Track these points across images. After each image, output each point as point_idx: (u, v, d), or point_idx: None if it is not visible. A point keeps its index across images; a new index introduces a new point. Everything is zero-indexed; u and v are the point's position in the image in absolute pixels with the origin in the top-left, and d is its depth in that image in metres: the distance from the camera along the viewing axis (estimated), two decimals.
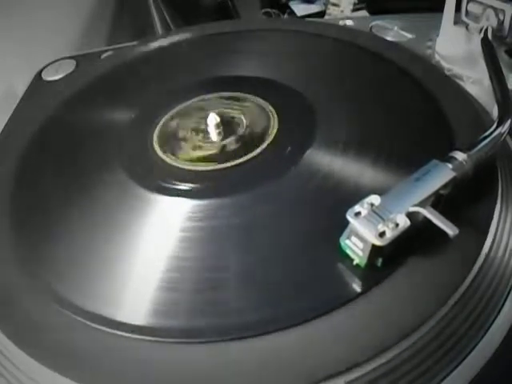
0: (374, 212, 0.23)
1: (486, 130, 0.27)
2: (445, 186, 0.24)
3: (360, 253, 0.23)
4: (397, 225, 0.23)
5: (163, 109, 0.36)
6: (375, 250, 0.23)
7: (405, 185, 0.24)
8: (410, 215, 0.23)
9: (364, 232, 0.23)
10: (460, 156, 0.25)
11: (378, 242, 0.22)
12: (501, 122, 0.27)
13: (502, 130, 0.27)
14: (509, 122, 0.27)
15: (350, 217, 0.23)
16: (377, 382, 0.21)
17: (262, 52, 0.41)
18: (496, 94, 0.29)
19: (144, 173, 0.31)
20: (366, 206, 0.23)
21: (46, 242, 0.28)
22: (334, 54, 0.40)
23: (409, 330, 0.21)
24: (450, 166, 0.25)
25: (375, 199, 0.24)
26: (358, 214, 0.23)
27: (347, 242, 0.24)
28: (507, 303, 0.24)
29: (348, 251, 0.24)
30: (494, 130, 0.27)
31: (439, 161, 0.25)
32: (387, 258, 0.23)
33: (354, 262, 0.24)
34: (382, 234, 0.22)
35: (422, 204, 0.23)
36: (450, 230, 0.22)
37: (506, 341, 0.23)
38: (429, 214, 0.23)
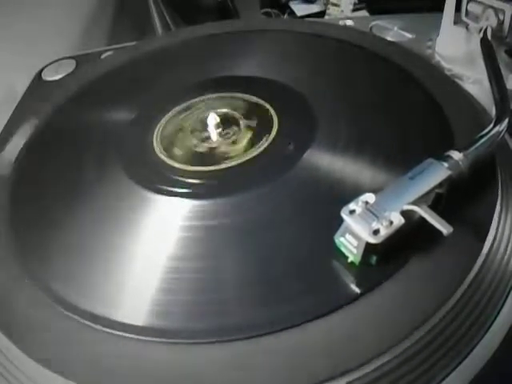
0: (369, 210, 0.23)
1: (483, 130, 0.27)
2: (440, 185, 0.24)
3: (354, 250, 0.23)
4: (391, 223, 0.23)
5: (163, 109, 0.36)
6: (369, 248, 0.23)
7: (400, 183, 0.24)
8: (404, 213, 0.23)
9: (358, 230, 0.23)
10: (456, 155, 0.25)
11: (372, 240, 0.22)
12: (498, 122, 0.27)
13: (500, 129, 0.27)
14: (506, 121, 0.27)
15: (344, 214, 0.23)
16: (377, 382, 0.21)
17: (261, 52, 0.41)
18: (494, 94, 0.30)
19: (144, 173, 0.31)
20: (360, 203, 0.23)
21: (45, 242, 0.28)
22: (333, 54, 0.40)
23: (409, 330, 0.21)
24: (445, 164, 0.25)
25: (370, 197, 0.24)
26: (352, 211, 0.23)
27: (342, 239, 0.24)
28: (507, 303, 0.24)
29: (342, 249, 0.24)
30: (491, 129, 0.27)
31: (435, 159, 0.25)
32: (382, 257, 0.23)
33: (349, 260, 0.24)
34: (376, 232, 0.22)
35: (416, 202, 0.23)
36: (444, 228, 0.22)
37: (505, 341, 0.23)
38: (423, 212, 0.23)
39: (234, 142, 0.32)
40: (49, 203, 0.31)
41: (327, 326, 0.22)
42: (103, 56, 0.46)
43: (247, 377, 0.21)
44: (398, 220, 0.23)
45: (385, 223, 0.23)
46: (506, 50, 0.37)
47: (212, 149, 0.32)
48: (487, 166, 0.27)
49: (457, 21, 0.39)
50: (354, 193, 0.24)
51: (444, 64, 0.40)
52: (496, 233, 0.25)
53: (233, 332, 0.22)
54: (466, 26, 0.39)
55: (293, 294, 0.23)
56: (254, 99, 0.35)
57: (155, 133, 0.34)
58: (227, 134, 0.33)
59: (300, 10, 0.61)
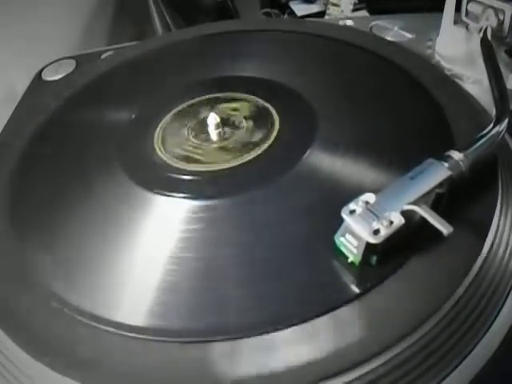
0: (369, 210, 0.23)
1: (483, 130, 0.27)
2: (440, 185, 0.24)
3: (354, 250, 0.23)
4: (391, 223, 0.23)
5: (163, 109, 0.36)
6: (369, 248, 0.23)
7: (400, 183, 0.24)
8: (404, 213, 0.23)
9: (358, 230, 0.23)
10: (456, 155, 0.25)
11: (372, 240, 0.22)
12: (498, 122, 0.27)
13: (500, 129, 0.27)
14: (506, 121, 0.27)
15: (344, 214, 0.23)
16: (377, 382, 0.21)
17: (262, 52, 0.41)
18: (494, 94, 0.30)
19: (144, 173, 0.31)
20: (360, 203, 0.23)
21: (45, 242, 0.28)
22: (333, 54, 0.40)
23: (408, 330, 0.21)
24: (445, 164, 0.25)
25: (370, 197, 0.24)
26: (352, 211, 0.23)
27: (342, 239, 0.24)
28: (507, 303, 0.24)
29: (342, 249, 0.24)
30: (491, 129, 0.27)
31: (435, 159, 0.25)
32: (382, 257, 0.23)
33: (349, 260, 0.24)
34: (376, 232, 0.22)
35: (417, 202, 0.23)
36: (445, 228, 0.22)
37: (506, 341, 0.23)
38: (423, 212, 0.23)
39: (234, 143, 0.32)
40: (49, 203, 0.31)
41: (327, 326, 0.22)
42: (103, 56, 0.46)
43: (246, 376, 0.21)
44: (399, 220, 0.23)
45: (385, 223, 0.23)
46: (506, 49, 0.37)
47: (212, 149, 0.32)
48: (488, 165, 0.27)
49: (457, 21, 0.39)
50: (354, 193, 0.24)
51: (444, 64, 0.40)
52: (496, 233, 0.25)
53: (232, 331, 0.22)
54: (466, 26, 0.39)
55: (292, 293, 0.23)
56: (255, 99, 0.35)
57: (156, 133, 0.34)
58: (227, 134, 0.33)
59: (300, 9, 0.61)
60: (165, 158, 0.32)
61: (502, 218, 0.26)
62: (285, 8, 0.62)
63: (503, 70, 0.32)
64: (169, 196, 0.29)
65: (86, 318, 0.24)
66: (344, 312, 0.22)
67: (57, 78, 0.45)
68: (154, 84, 0.39)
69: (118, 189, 0.30)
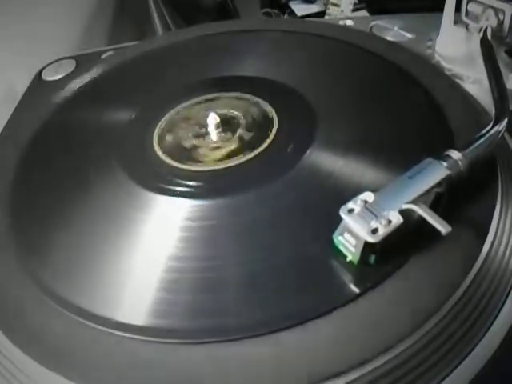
0: (367, 209, 0.23)
1: (482, 129, 0.27)
2: (439, 185, 0.24)
3: (353, 249, 0.23)
4: (389, 222, 0.23)
5: (163, 109, 0.36)
6: (368, 247, 0.23)
7: (399, 182, 0.24)
8: (403, 212, 0.23)
9: (357, 228, 0.23)
10: (455, 155, 0.25)
11: (371, 239, 0.22)
12: (497, 121, 0.27)
13: (499, 129, 0.27)
14: (505, 121, 0.27)
15: (343, 213, 0.23)
16: (377, 383, 0.21)
17: (261, 52, 0.41)
18: (494, 94, 0.30)
19: (144, 173, 0.31)
20: (359, 202, 0.23)
21: (45, 241, 0.28)
22: (333, 54, 0.40)
23: (409, 330, 0.21)
24: (444, 164, 0.25)
25: (368, 196, 0.24)
26: (351, 210, 0.23)
27: (340, 238, 0.24)
28: (507, 303, 0.24)
29: (341, 247, 0.24)
30: (490, 129, 0.27)
31: (434, 159, 0.25)
32: (381, 256, 0.23)
33: (347, 259, 0.24)
34: (374, 231, 0.22)
35: (415, 201, 0.23)
36: (443, 227, 0.22)
37: (506, 341, 0.23)
38: (421, 211, 0.23)
39: (234, 142, 0.32)
40: (49, 203, 0.31)
41: (326, 326, 0.22)
42: (103, 56, 0.46)
43: (247, 377, 0.21)
44: (397, 219, 0.23)
45: (383, 222, 0.23)
46: (506, 49, 0.37)
47: (212, 149, 0.32)
48: (487, 165, 0.27)
49: (457, 21, 0.39)
50: (353, 192, 0.24)
51: (444, 64, 0.40)
52: (496, 233, 0.25)
53: (232, 332, 0.22)
54: (466, 26, 0.39)
55: (291, 293, 0.23)
56: (254, 99, 0.35)
57: (155, 133, 0.34)
58: (227, 134, 0.33)
59: (300, 9, 0.61)
60: (164, 158, 0.32)
61: (502, 218, 0.26)
62: (285, 8, 0.62)
63: (503, 70, 0.32)
64: (168, 196, 0.29)
65: (86, 317, 0.24)
66: (343, 312, 0.22)
67: (57, 77, 0.45)
68: (153, 84, 0.39)
69: (117, 188, 0.30)
